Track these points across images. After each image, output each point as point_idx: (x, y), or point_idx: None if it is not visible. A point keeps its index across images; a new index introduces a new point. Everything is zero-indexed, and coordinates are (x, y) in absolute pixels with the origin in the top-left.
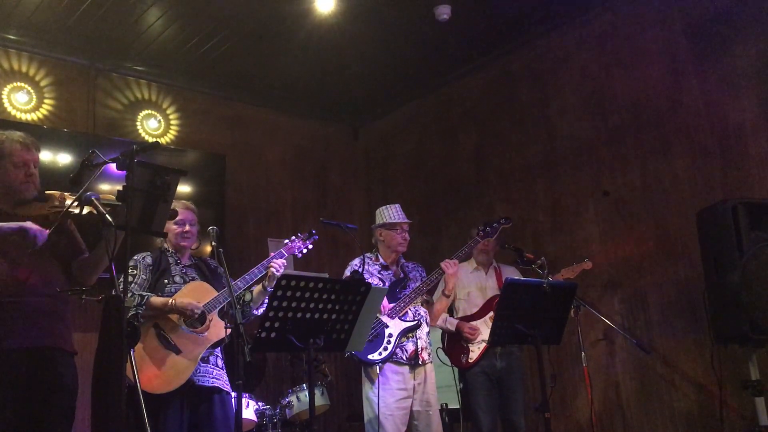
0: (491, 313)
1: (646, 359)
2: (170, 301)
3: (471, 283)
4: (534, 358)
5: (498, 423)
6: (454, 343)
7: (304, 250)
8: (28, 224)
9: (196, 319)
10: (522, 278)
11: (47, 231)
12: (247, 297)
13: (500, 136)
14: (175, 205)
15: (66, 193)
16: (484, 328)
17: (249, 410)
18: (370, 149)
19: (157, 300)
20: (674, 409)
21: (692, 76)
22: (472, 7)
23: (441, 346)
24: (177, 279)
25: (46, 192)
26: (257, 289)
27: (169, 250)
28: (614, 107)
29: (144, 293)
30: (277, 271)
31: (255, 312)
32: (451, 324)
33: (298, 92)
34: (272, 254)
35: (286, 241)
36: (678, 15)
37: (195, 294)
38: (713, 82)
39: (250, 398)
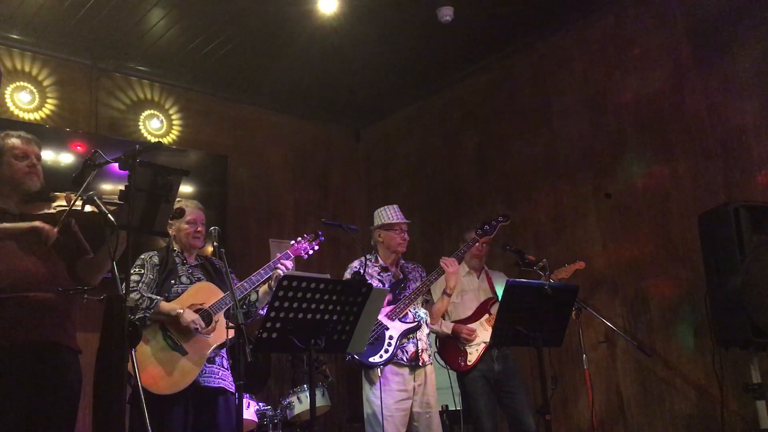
0: (487, 315)
1: (647, 362)
2: (177, 311)
3: (464, 287)
4: (535, 360)
5: (500, 426)
6: (449, 347)
7: (311, 252)
8: (39, 224)
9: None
10: (523, 280)
11: (56, 229)
12: (253, 297)
13: (502, 138)
14: (187, 204)
15: (72, 194)
16: (481, 331)
17: (250, 411)
18: (372, 151)
19: (165, 306)
20: (675, 412)
21: (694, 78)
22: (474, 9)
23: (435, 349)
24: (184, 279)
25: (53, 193)
26: (263, 289)
27: (175, 250)
28: (616, 109)
29: (153, 296)
30: (284, 272)
31: (261, 312)
32: (447, 327)
33: (300, 93)
34: (279, 255)
35: (292, 242)
36: (680, 17)
37: (201, 295)
38: (715, 84)
39: (251, 399)
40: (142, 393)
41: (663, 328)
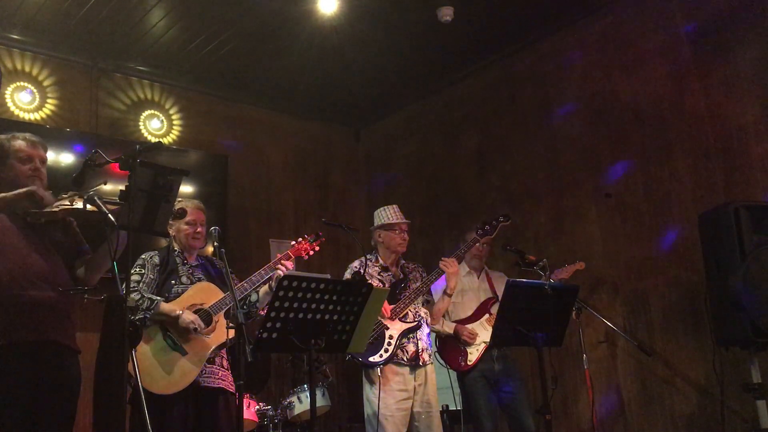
0: (487, 315)
1: (647, 361)
2: (177, 312)
3: (465, 287)
4: (535, 360)
5: (500, 426)
6: (449, 346)
7: (311, 252)
8: (34, 187)
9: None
10: (524, 280)
11: (50, 192)
12: (253, 297)
13: (502, 138)
14: (188, 205)
15: (75, 194)
16: (481, 330)
17: (250, 410)
18: (372, 151)
19: (165, 307)
20: (675, 412)
21: (694, 78)
22: (474, 9)
23: (436, 349)
24: (184, 279)
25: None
26: (263, 289)
27: (176, 250)
28: (616, 109)
29: (154, 297)
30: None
31: (261, 313)
32: (449, 327)
33: (300, 93)
34: (279, 256)
35: (293, 242)
36: (680, 17)
37: (201, 295)
38: (715, 84)
39: (252, 398)
40: (142, 393)
41: (663, 328)
